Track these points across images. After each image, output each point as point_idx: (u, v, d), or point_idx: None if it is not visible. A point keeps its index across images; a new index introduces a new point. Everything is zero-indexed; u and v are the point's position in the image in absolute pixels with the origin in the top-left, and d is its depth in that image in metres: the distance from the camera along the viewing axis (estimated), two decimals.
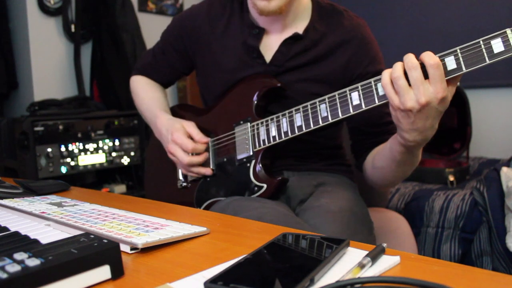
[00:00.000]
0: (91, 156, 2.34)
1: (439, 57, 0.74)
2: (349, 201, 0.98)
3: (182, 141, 1.05)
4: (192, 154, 1.06)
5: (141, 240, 0.53)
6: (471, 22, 2.65)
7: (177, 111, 1.22)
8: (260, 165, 1.00)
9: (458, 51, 0.73)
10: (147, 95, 1.23)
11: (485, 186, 1.79)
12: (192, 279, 0.46)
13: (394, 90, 0.75)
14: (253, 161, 1.01)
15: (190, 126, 1.08)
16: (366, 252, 0.49)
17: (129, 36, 2.64)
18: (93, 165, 2.35)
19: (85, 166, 2.32)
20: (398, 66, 0.74)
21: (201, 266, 0.49)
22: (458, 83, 0.77)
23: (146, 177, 1.32)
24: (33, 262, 0.41)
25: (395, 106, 0.76)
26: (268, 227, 0.67)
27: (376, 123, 1.03)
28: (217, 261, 0.51)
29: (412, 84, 0.73)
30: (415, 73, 0.72)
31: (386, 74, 0.76)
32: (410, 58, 0.73)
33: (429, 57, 0.72)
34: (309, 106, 0.92)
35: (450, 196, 1.92)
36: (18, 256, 0.42)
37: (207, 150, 1.09)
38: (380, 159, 0.96)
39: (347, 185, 1.09)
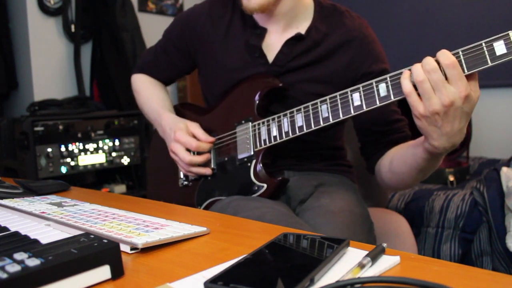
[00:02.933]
0: (91, 156, 2.34)
1: None
2: (349, 201, 0.98)
3: (186, 139, 1.04)
4: (195, 153, 1.06)
5: (141, 240, 0.53)
6: (474, 23, 2.65)
7: (179, 110, 1.22)
8: (261, 165, 1.00)
9: (460, 53, 0.72)
10: (150, 94, 1.23)
11: (485, 186, 1.79)
12: (192, 279, 0.46)
13: (418, 97, 0.73)
14: (254, 161, 1.01)
15: (194, 127, 1.07)
16: (366, 252, 0.49)
17: (129, 36, 2.64)
18: (93, 165, 2.35)
19: (85, 166, 2.32)
20: (419, 69, 0.72)
21: (201, 266, 0.49)
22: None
23: (148, 175, 1.32)
24: (33, 262, 0.41)
25: (421, 113, 0.73)
26: (268, 227, 0.67)
27: (385, 122, 1.02)
28: (217, 261, 0.51)
29: (434, 87, 0.71)
30: (436, 76, 0.70)
31: (407, 81, 0.74)
32: (428, 60, 0.71)
33: (444, 57, 0.70)
34: (310, 107, 0.92)
35: (450, 196, 1.92)
36: (18, 256, 0.42)
37: (208, 150, 1.09)
38: (401, 165, 0.93)
39: (347, 185, 1.09)
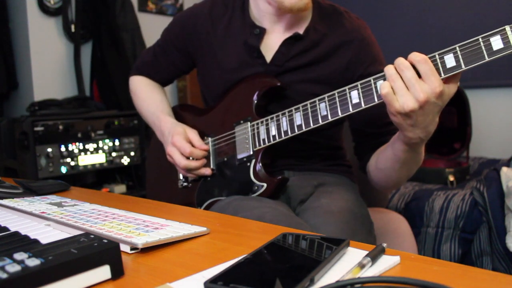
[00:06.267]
0: (91, 156, 2.34)
1: (438, 54, 0.74)
2: (349, 201, 0.98)
3: (181, 144, 1.04)
4: (191, 159, 1.06)
5: (141, 240, 0.53)
6: (471, 20, 2.65)
7: (178, 111, 1.22)
8: (260, 164, 1.00)
9: (457, 48, 0.73)
10: (148, 97, 1.22)
11: (485, 186, 1.79)
12: (192, 279, 0.46)
13: (394, 96, 0.75)
14: (253, 161, 1.01)
15: (192, 132, 1.08)
16: (366, 252, 0.49)
17: (129, 36, 2.64)
18: (93, 165, 2.35)
19: (85, 166, 2.32)
20: (392, 68, 0.75)
21: (201, 266, 0.49)
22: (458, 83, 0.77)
23: (147, 177, 1.32)
24: (33, 262, 0.41)
25: (396, 110, 0.75)
26: (268, 227, 0.67)
27: (379, 124, 1.02)
28: (217, 261, 0.51)
29: (407, 84, 0.73)
30: (409, 73, 0.73)
31: (386, 83, 0.76)
32: (400, 60, 0.74)
33: (415, 55, 0.73)
34: (308, 105, 0.92)
35: (450, 196, 1.92)
36: (18, 256, 0.42)
37: (202, 157, 1.09)
38: (383, 160, 0.96)
39: (347, 185, 1.09)
